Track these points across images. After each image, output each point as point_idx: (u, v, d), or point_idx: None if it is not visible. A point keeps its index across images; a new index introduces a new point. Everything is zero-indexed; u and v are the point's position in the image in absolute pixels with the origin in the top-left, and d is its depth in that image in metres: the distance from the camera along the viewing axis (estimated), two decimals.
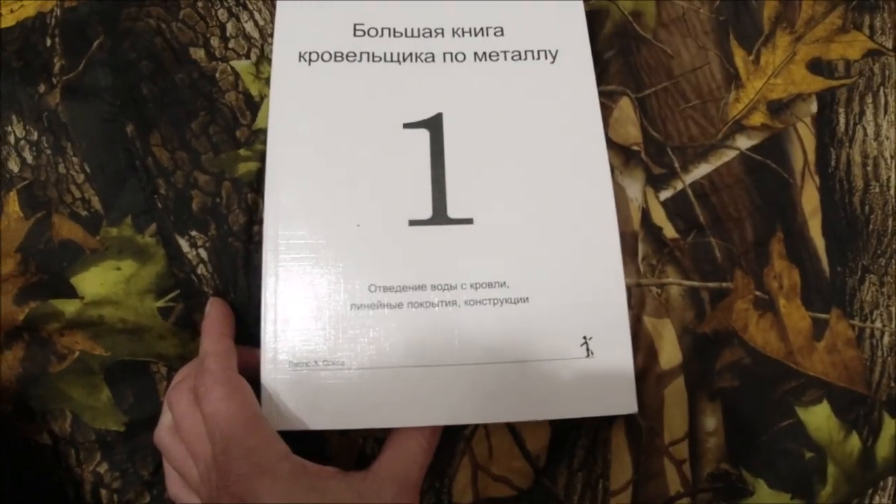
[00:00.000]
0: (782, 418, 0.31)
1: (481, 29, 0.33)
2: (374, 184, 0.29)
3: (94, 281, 0.28)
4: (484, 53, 0.32)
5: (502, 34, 0.33)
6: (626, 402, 0.27)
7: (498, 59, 0.32)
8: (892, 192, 0.35)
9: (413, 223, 0.29)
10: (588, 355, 0.27)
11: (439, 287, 0.28)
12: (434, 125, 0.30)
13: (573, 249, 0.29)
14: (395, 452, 0.26)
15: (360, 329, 0.27)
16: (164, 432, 0.26)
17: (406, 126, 0.30)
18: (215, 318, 0.27)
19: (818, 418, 0.31)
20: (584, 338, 0.28)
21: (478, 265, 0.28)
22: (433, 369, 0.27)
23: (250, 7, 0.34)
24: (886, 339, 0.33)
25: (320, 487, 0.24)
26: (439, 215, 0.29)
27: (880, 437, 0.32)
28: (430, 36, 0.33)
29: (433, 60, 0.32)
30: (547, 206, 0.29)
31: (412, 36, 0.32)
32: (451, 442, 0.30)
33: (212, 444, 0.24)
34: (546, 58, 0.32)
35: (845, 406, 0.32)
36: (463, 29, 0.33)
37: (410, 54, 0.32)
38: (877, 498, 0.32)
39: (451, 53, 0.32)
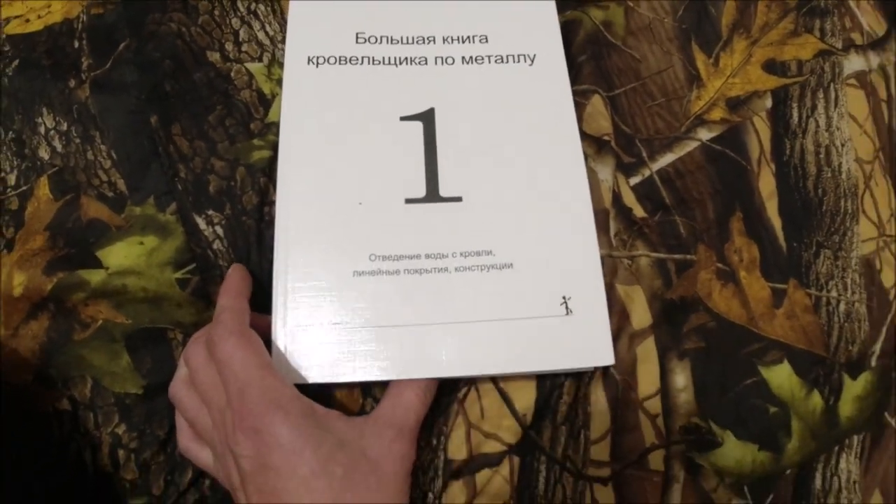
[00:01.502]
0: (746, 377, 0.34)
1: (468, 37, 0.37)
2: (373, 168, 0.33)
3: (119, 254, 0.31)
4: (471, 57, 0.36)
5: (487, 41, 0.37)
6: (603, 355, 0.30)
7: (483, 63, 0.36)
8: (843, 176, 0.38)
9: (409, 201, 0.32)
10: (567, 313, 0.30)
11: (432, 256, 0.31)
12: (427, 118, 0.34)
13: (552, 221, 0.32)
14: (394, 402, 0.29)
15: (361, 293, 0.30)
16: (178, 384, 0.28)
17: (402, 119, 0.34)
18: (235, 280, 0.30)
19: (780, 377, 0.34)
20: (564, 297, 0.31)
21: (466, 236, 0.31)
22: (426, 327, 0.30)
23: (262, 19, 0.38)
24: (842, 306, 0.36)
25: (327, 425, 0.26)
26: (432, 194, 0.32)
27: (842, 397, 0.34)
28: (424, 43, 0.37)
29: (426, 63, 0.36)
30: (528, 185, 0.33)
31: (407, 43, 0.36)
32: (446, 404, 0.32)
33: (226, 388, 0.26)
34: (525, 61, 0.36)
35: (805, 367, 0.34)
36: (452, 37, 0.37)
37: (406, 58, 0.36)
38: (843, 455, 0.34)
39: (442, 57, 0.36)
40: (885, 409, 0.35)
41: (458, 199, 0.32)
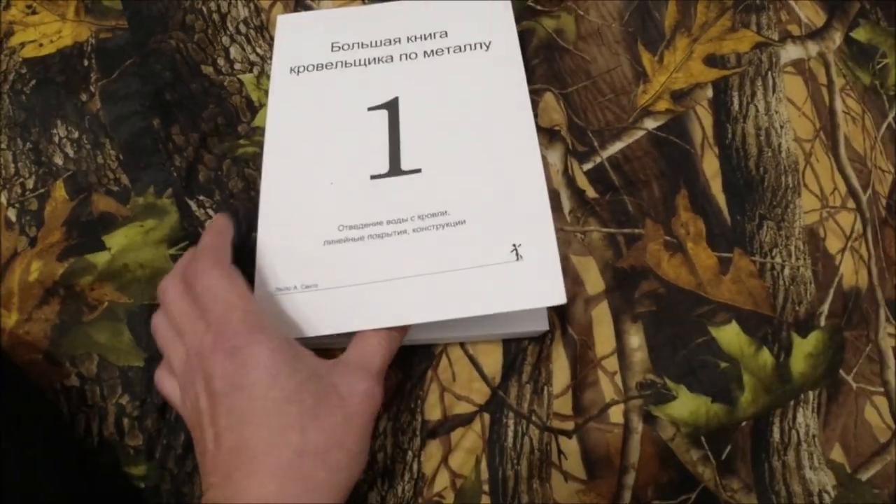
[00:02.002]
0: (697, 336, 0.36)
1: (430, 34, 0.41)
2: (343, 152, 0.37)
3: (121, 235, 0.36)
4: (432, 51, 0.41)
5: (446, 35, 0.41)
6: (554, 295, 0.32)
7: (443, 54, 0.40)
8: (783, 154, 0.42)
9: (374, 177, 0.36)
10: (518, 259, 0.33)
11: (393, 221, 0.34)
12: (392, 106, 0.38)
13: (504, 180, 0.35)
14: (360, 348, 0.31)
15: (331, 259, 0.34)
16: (157, 318, 0.30)
17: (370, 109, 0.38)
18: (218, 222, 0.32)
19: (729, 335, 0.37)
20: (514, 245, 0.33)
21: (424, 201, 0.35)
22: (389, 283, 0.33)
23: (252, 42, 0.43)
24: (787, 271, 0.39)
25: (302, 357, 0.28)
26: (394, 169, 0.36)
27: (793, 354, 0.37)
28: (390, 44, 0.41)
29: (392, 61, 0.40)
30: (483, 152, 0.36)
31: (375, 46, 0.41)
32: (421, 371, 0.35)
33: (207, 314, 0.27)
34: (481, 48, 0.40)
35: (753, 326, 0.37)
36: (415, 35, 0.41)
37: (374, 59, 0.41)
38: (800, 410, 0.36)
39: (406, 54, 0.40)
40: (839, 367, 0.37)
41: (418, 171, 0.36)
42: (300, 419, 0.26)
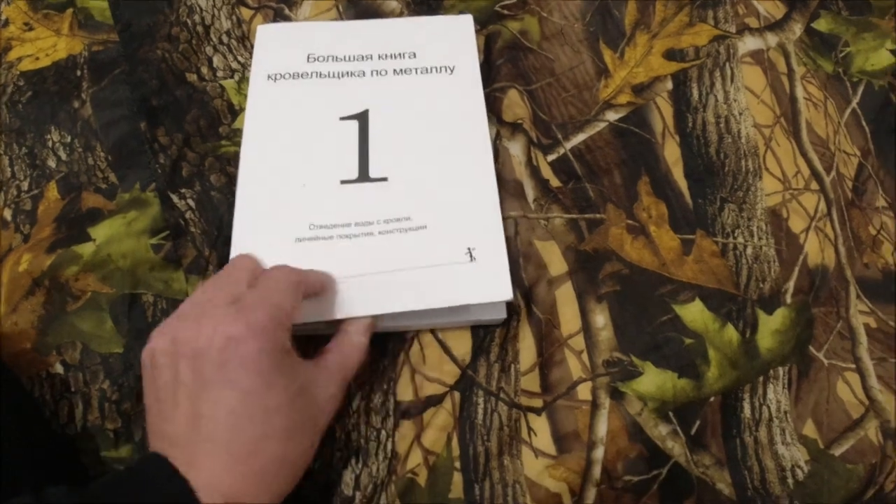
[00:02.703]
0: (661, 314, 0.37)
1: (400, 53, 0.44)
2: (316, 157, 0.39)
3: (105, 227, 0.38)
4: (401, 70, 0.43)
5: (415, 56, 0.44)
6: (502, 290, 0.35)
7: (411, 74, 0.43)
8: (742, 140, 0.43)
9: (343, 182, 0.39)
10: (471, 260, 0.36)
11: (361, 223, 0.37)
12: (362, 117, 0.41)
13: (461, 192, 0.38)
14: (339, 348, 0.33)
15: (303, 255, 0.36)
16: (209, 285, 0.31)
17: (342, 119, 0.41)
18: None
19: (692, 313, 0.37)
20: (469, 248, 0.36)
21: (389, 207, 0.37)
22: (357, 278, 0.35)
23: (234, 51, 0.45)
24: (749, 250, 0.40)
25: (297, 368, 0.29)
26: (363, 176, 0.39)
27: (759, 331, 0.37)
28: (362, 60, 0.44)
29: (364, 76, 0.43)
30: (443, 166, 0.39)
31: (349, 60, 0.44)
32: (393, 354, 0.36)
33: (241, 301, 0.28)
34: (446, 71, 0.43)
35: (717, 303, 0.38)
36: (386, 54, 0.44)
37: (347, 72, 0.43)
38: (770, 386, 0.37)
39: (377, 70, 0.43)
40: (808, 343, 0.38)
41: (385, 179, 0.39)
42: (285, 432, 0.27)
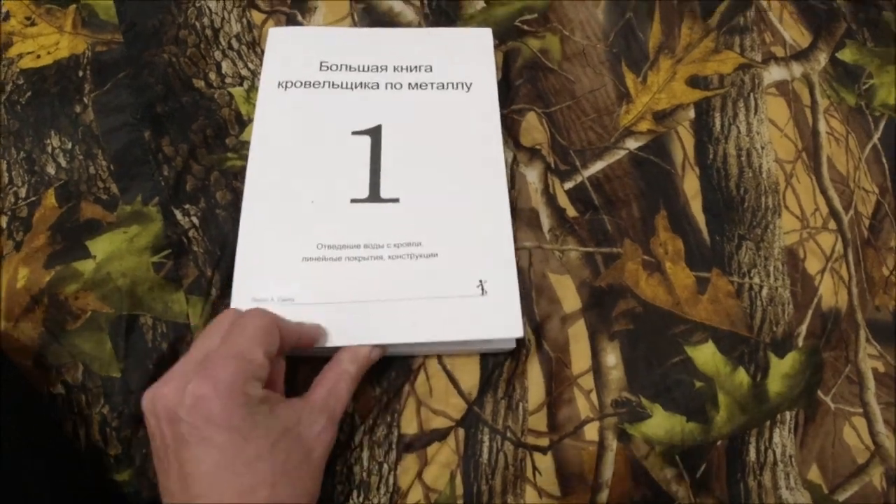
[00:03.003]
0: (673, 355, 0.37)
1: (416, 66, 0.42)
2: (326, 172, 0.38)
3: (105, 241, 0.36)
4: (417, 84, 0.42)
5: (431, 70, 0.42)
6: (513, 328, 0.34)
7: (427, 89, 0.42)
8: (763, 175, 0.42)
9: (354, 201, 0.37)
10: (483, 294, 0.35)
11: (370, 246, 0.36)
12: (375, 133, 0.39)
13: (474, 221, 0.37)
14: (326, 389, 0.32)
15: (309, 275, 0.35)
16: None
17: (354, 133, 0.39)
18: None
19: (704, 355, 0.37)
20: (480, 281, 0.35)
21: (400, 231, 0.36)
22: (363, 304, 0.34)
23: (244, 57, 0.44)
24: (765, 291, 0.39)
25: (276, 412, 0.29)
26: (374, 195, 0.37)
27: (770, 375, 0.37)
28: (377, 71, 0.42)
29: (378, 88, 0.41)
30: (455, 191, 0.38)
31: (362, 70, 0.42)
32: (398, 385, 0.36)
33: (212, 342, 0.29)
34: (463, 88, 0.42)
35: (729, 346, 0.37)
36: (401, 66, 0.42)
37: (360, 83, 0.41)
38: (777, 430, 0.36)
39: (392, 83, 0.42)
40: (817, 387, 0.37)
41: (396, 200, 0.37)
42: (272, 477, 0.27)
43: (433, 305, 0.34)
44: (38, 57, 0.43)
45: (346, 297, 0.34)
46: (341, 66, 0.42)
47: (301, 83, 0.41)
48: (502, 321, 0.34)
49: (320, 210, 0.37)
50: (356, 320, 0.34)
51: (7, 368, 0.33)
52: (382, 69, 0.42)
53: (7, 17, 0.45)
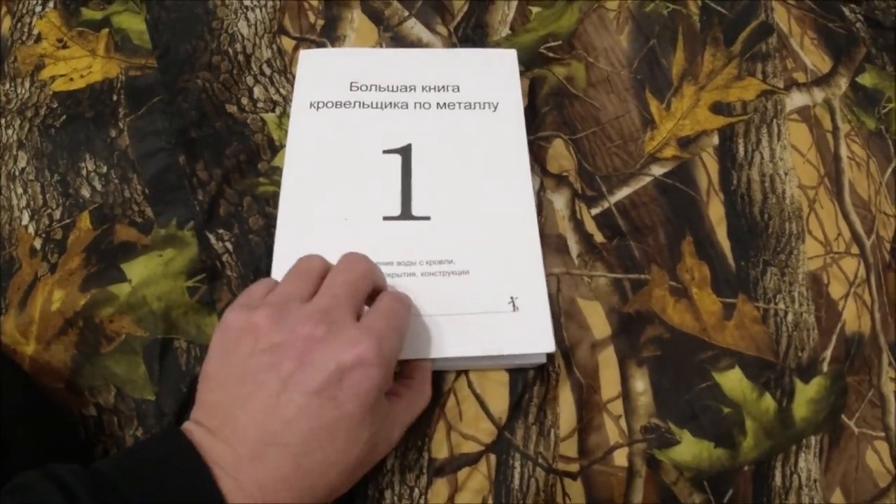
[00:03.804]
0: (701, 381, 0.37)
1: (443, 86, 0.43)
2: (358, 191, 0.39)
3: (140, 265, 0.37)
4: (444, 103, 0.42)
5: (458, 90, 0.43)
6: (544, 343, 0.35)
7: (454, 108, 0.42)
8: (787, 201, 0.43)
9: (386, 218, 0.38)
10: (514, 310, 0.35)
11: (403, 263, 0.36)
12: (405, 152, 0.40)
13: (503, 237, 0.38)
14: (409, 402, 0.32)
15: None
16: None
17: (385, 152, 0.40)
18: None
19: (732, 381, 0.37)
20: (511, 297, 0.36)
21: (432, 248, 0.37)
22: None
23: (275, 83, 0.44)
24: (790, 317, 0.39)
25: (385, 404, 0.29)
26: (406, 213, 0.38)
27: (796, 400, 0.37)
28: (406, 91, 0.43)
29: (407, 108, 0.42)
30: (485, 208, 0.39)
31: (392, 90, 0.43)
32: (428, 409, 0.36)
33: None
34: (489, 108, 0.42)
35: (756, 371, 0.38)
36: (430, 86, 0.43)
37: (390, 103, 0.42)
38: (802, 455, 0.37)
39: (420, 103, 0.42)
40: (841, 412, 0.38)
41: (427, 218, 0.38)
42: (348, 466, 0.27)
43: (465, 321, 0.35)
44: (71, 80, 0.43)
45: None
46: (371, 86, 0.43)
47: (332, 103, 0.42)
48: (534, 336, 0.35)
49: (354, 227, 0.37)
50: None
51: (33, 391, 0.33)
52: (411, 89, 0.43)
53: (38, 38, 0.45)
